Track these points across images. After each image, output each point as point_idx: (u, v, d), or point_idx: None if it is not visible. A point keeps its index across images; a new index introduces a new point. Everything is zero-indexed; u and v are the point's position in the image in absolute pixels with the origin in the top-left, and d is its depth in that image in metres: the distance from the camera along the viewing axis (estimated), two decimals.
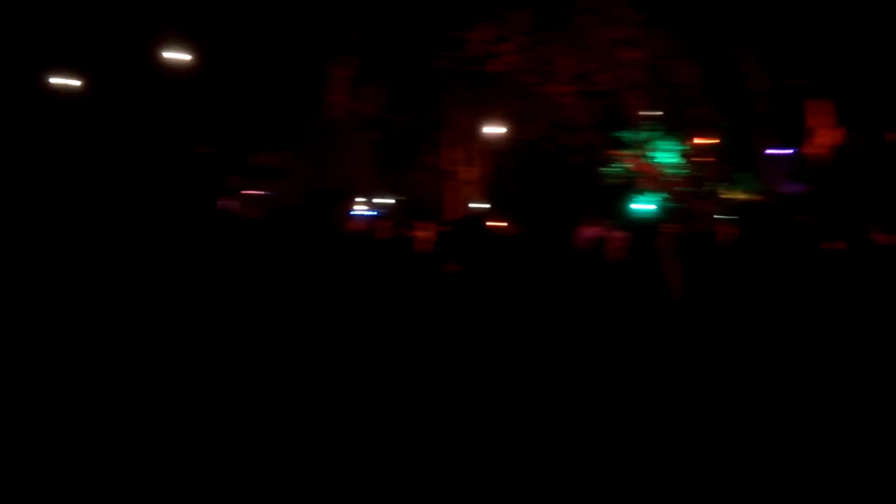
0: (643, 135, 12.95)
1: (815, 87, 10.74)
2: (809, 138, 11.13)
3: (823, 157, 11.10)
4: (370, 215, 18.14)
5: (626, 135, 13.40)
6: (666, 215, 13.00)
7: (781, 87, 11.72)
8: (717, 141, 12.41)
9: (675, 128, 12.99)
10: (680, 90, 12.08)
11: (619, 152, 13.56)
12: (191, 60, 10.45)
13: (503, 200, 14.24)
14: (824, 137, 10.92)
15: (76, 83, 10.94)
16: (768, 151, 12.12)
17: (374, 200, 24.05)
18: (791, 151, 12.41)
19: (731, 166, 13.44)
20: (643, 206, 15.30)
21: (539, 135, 13.43)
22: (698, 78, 11.82)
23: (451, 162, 17.18)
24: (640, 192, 15.59)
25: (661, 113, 13.22)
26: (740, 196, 14.49)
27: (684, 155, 12.96)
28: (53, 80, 10.83)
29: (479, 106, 15.69)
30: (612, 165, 14.75)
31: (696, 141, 12.45)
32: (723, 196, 13.91)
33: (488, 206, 14.64)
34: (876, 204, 10.93)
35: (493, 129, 15.88)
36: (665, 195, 13.49)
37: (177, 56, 10.39)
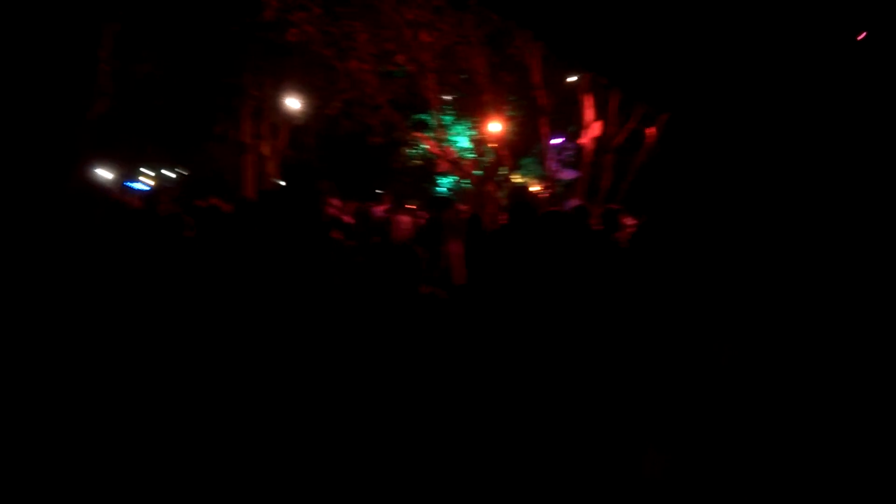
0: (441, 118, 13.35)
1: (593, 82, 11.83)
2: (584, 129, 12.32)
3: (595, 148, 12.36)
4: (144, 189, 16.54)
5: (425, 117, 13.74)
6: (460, 198, 13.69)
7: (560, 81, 12.76)
8: (506, 128, 13.20)
9: (469, 113, 13.58)
10: (472, 77, 12.62)
11: (418, 134, 13.86)
12: None
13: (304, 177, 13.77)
14: (596, 129, 12.16)
15: None
16: (549, 140, 13.18)
17: (160, 173, 21.87)
18: (567, 141, 13.69)
19: (517, 153, 14.47)
20: (440, 187, 15.91)
21: (337, 111, 13.20)
22: (489, 66, 12.43)
23: (250, 135, 16.27)
24: (438, 174, 16.20)
25: (456, 98, 13.73)
26: (524, 181, 15.72)
27: (477, 140, 13.62)
28: None
29: (279, 77, 15.01)
30: (412, 147, 15.10)
31: (488, 127, 13.13)
32: (511, 180, 14.94)
33: (288, 181, 14.07)
34: (632, 191, 12.51)
35: (293, 103, 15.32)
36: (460, 178, 14.14)
37: None
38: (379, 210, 9.89)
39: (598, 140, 12.29)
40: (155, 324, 4.30)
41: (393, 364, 3.92)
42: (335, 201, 9.23)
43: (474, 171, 13.53)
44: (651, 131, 12.52)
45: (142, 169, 20.54)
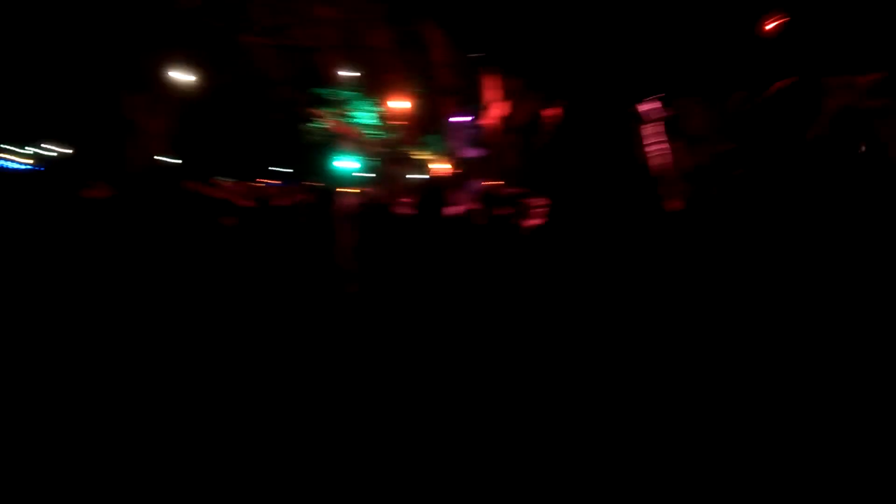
0: (342, 94, 12.95)
1: (494, 61, 11.81)
2: (486, 109, 12.34)
3: (497, 127, 12.41)
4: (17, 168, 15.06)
5: (326, 93, 13.28)
6: (363, 178, 13.43)
7: (464, 60, 12.68)
8: (410, 106, 12.99)
9: (372, 90, 13.26)
10: (375, 54, 12.29)
11: (319, 111, 13.40)
12: None
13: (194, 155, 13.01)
14: (498, 108, 12.20)
15: None
16: (452, 119, 13.12)
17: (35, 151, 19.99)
18: (470, 119, 13.66)
19: (421, 130, 14.30)
20: (343, 165, 15.48)
21: (232, 87, 12.50)
22: (392, 43, 12.15)
23: (134, 109, 15.10)
24: (340, 151, 15.74)
25: (359, 74, 13.35)
26: (428, 158, 15.61)
27: (380, 117, 13.35)
28: None
29: (168, 48, 13.97)
30: (312, 123, 14.57)
31: (391, 104, 12.87)
32: (414, 157, 14.80)
33: (178, 160, 13.26)
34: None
35: (183, 76, 14.34)
36: (363, 156, 13.84)
37: None
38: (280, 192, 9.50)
39: (502, 119, 12.36)
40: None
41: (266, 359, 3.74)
42: (227, 184, 8.74)
43: (376, 150, 13.28)
44: (552, 111, 12.69)
45: (11, 146, 18.67)
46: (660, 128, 8.61)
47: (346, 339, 4.35)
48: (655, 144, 8.62)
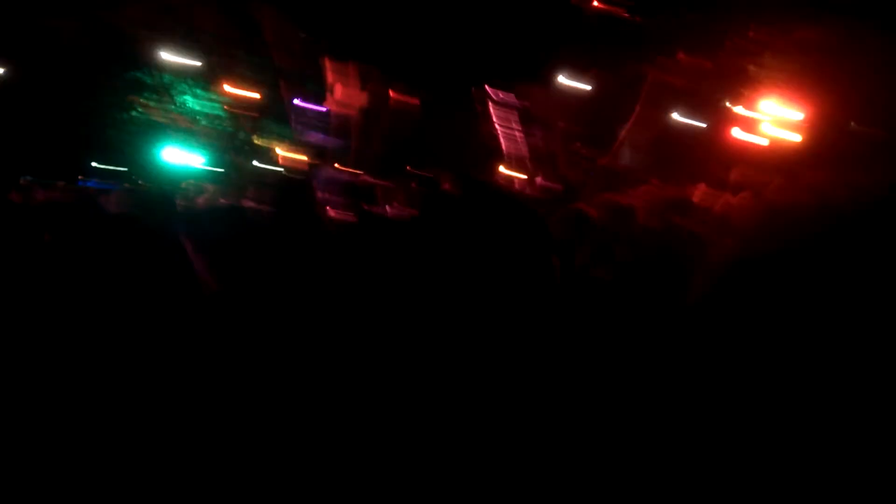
0: (168, 79, 11.83)
1: (341, 47, 11.33)
2: (330, 92, 11.91)
3: (348, 113, 12.01)
4: None
5: (149, 78, 12.05)
6: (201, 171, 12.42)
7: (308, 44, 12.05)
8: (251, 91, 12.22)
9: (207, 75, 12.26)
10: (207, 38, 11.32)
11: (145, 99, 12.16)
12: None
13: None
14: (342, 94, 11.82)
15: None
16: (298, 104, 12.55)
17: None
18: (319, 105, 13.13)
19: (264, 117, 13.51)
20: (176, 159, 14.20)
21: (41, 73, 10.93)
22: (226, 27, 11.24)
23: None
24: (172, 143, 14.44)
25: (190, 59, 12.25)
26: (276, 145, 14.84)
27: (216, 104, 12.41)
28: None
29: None
30: (138, 113, 13.16)
31: (230, 90, 12.00)
32: (259, 145, 13.99)
33: None
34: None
35: None
36: (200, 147, 12.79)
37: None
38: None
39: (346, 103, 11.99)
40: None
41: None
42: (41, 187, 7.55)
43: (214, 140, 12.35)
44: (399, 95, 12.56)
45: None
46: (510, 112, 8.90)
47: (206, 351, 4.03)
48: (506, 128, 8.87)
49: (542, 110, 7.03)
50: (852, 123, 19.59)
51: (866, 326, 2.16)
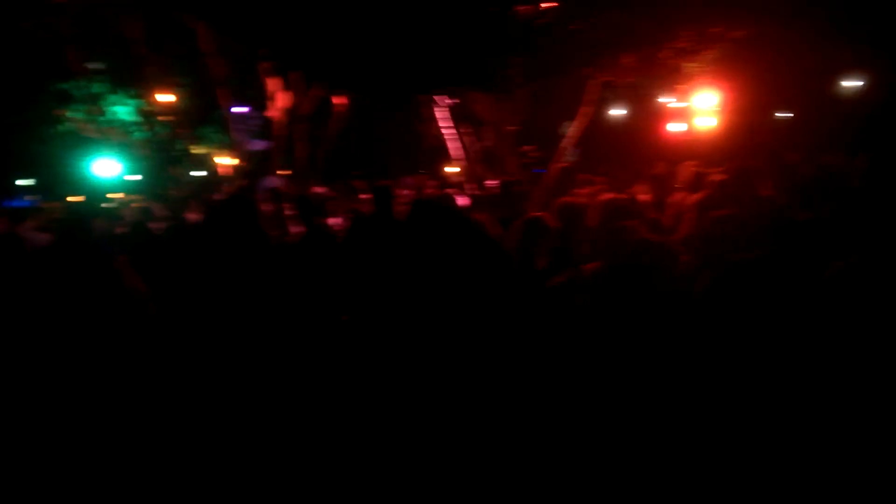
0: (93, 89, 11.25)
1: (274, 52, 10.97)
2: (270, 99, 11.60)
3: (283, 119, 11.76)
4: None
5: (72, 88, 11.42)
6: (132, 182, 11.90)
7: (246, 51, 11.66)
8: (179, 98, 11.76)
9: (130, 83, 11.71)
10: (130, 45, 10.81)
11: (67, 110, 11.51)
12: None
13: None
14: (282, 100, 11.54)
15: None
16: (233, 110, 12.17)
17: None
18: (254, 111, 12.79)
19: (195, 123, 13.01)
20: (105, 171, 13.53)
21: None
22: (149, 34, 10.75)
23: None
24: (99, 154, 13.79)
25: (111, 67, 11.68)
26: (209, 152, 14.35)
27: (143, 112, 11.88)
28: None
29: None
30: (60, 125, 12.46)
31: (157, 98, 11.51)
32: (192, 153, 13.50)
33: None
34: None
35: None
36: (129, 158, 12.22)
37: None
38: None
39: (287, 110, 11.72)
40: None
41: None
42: None
43: (146, 148, 11.85)
44: (341, 100, 12.37)
45: None
46: (449, 114, 8.90)
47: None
48: (447, 129, 8.87)
49: (487, 114, 7.07)
50: (775, 113, 20.51)
51: (822, 325, 2.23)
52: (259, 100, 12.04)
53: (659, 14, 5.49)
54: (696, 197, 4.17)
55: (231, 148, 12.65)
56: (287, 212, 5.80)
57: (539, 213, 3.74)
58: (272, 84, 11.38)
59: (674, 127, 12.64)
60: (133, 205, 7.87)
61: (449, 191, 7.07)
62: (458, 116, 7.41)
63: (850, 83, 15.01)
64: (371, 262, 3.96)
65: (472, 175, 8.01)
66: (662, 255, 3.83)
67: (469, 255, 3.77)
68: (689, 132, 10.75)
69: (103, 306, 3.97)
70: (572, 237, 3.79)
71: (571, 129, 8.51)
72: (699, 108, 9.62)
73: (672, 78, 8.52)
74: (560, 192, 5.55)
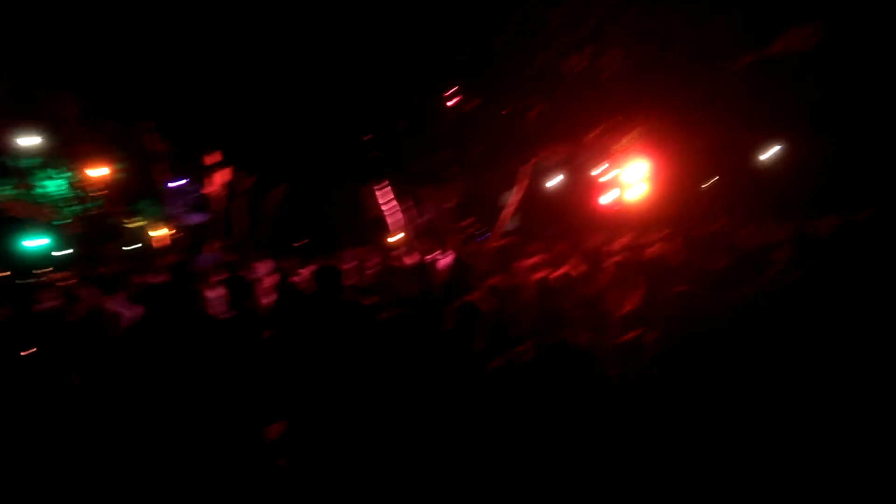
0: (24, 163, 10.89)
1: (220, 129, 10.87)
2: (208, 174, 11.48)
3: (221, 193, 11.59)
4: None
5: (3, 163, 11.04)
6: (61, 257, 11.43)
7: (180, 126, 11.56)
8: (112, 172, 11.50)
9: (62, 158, 11.41)
10: (62, 124, 10.60)
11: None
12: None
13: None
14: (222, 174, 11.43)
15: None
16: (170, 184, 11.98)
17: None
18: (191, 184, 12.61)
19: (129, 198, 12.70)
20: (34, 245, 12.95)
21: None
22: (81, 111, 10.58)
23: None
24: (29, 230, 13.26)
25: (42, 142, 11.38)
26: (144, 225, 13.99)
27: (75, 187, 11.54)
28: None
29: None
30: None
31: (88, 173, 11.22)
32: (127, 226, 13.13)
33: None
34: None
35: None
36: (59, 233, 11.79)
37: None
38: None
39: (226, 184, 11.60)
40: None
41: None
42: None
43: (77, 224, 11.44)
44: (277, 177, 12.32)
45: None
46: (390, 189, 9.04)
47: None
48: (388, 203, 8.97)
49: (425, 190, 7.20)
50: (714, 178, 21.71)
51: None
52: (197, 173, 11.90)
53: (584, 100, 5.83)
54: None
55: (167, 221, 12.38)
56: (221, 284, 5.64)
57: (475, 296, 3.76)
58: (211, 158, 11.30)
59: (607, 197, 13.19)
60: (58, 283, 7.50)
61: (392, 263, 7.08)
62: (398, 191, 7.53)
63: (767, 151, 16.13)
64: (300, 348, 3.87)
65: (413, 248, 8.05)
66: (595, 331, 3.91)
67: (403, 343, 3.73)
68: (620, 202, 11.21)
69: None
70: (508, 317, 3.81)
71: (509, 202, 8.74)
72: (629, 180, 10.06)
73: (601, 153, 8.94)
74: (498, 267, 5.62)
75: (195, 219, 12.68)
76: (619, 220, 11.94)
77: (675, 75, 5.72)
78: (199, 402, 3.77)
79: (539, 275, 4.75)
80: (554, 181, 17.59)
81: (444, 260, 7.68)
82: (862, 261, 3.95)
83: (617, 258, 5.29)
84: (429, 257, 7.70)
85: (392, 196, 7.81)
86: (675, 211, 14.18)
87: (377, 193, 7.97)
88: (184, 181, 12.49)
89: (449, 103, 5.60)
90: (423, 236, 8.15)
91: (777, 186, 15.59)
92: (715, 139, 12.31)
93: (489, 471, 2.70)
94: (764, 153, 16.19)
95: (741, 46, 5.76)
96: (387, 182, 7.36)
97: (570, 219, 17.69)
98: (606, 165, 10.83)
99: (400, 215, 7.91)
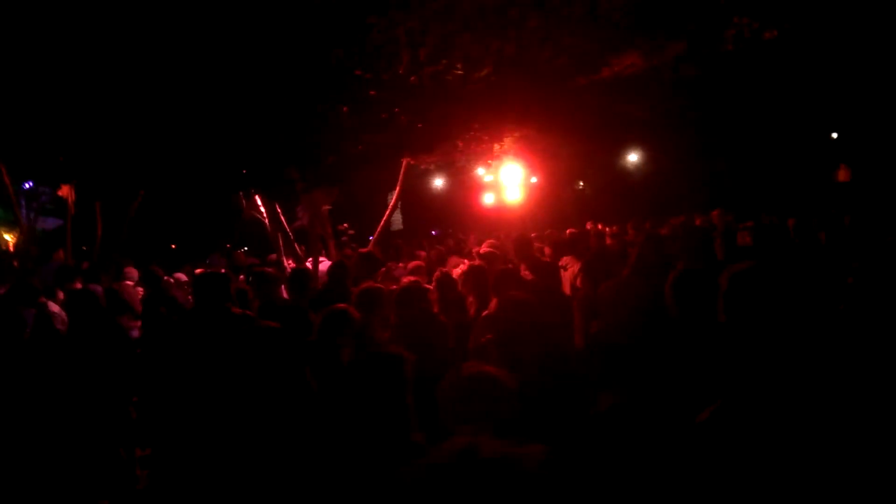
0: None
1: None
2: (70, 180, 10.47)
3: (73, 197, 10.61)
4: None
5: None
6: None
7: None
8: None
9: None
10: None
11: None
12: None
13: None
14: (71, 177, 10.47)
15: None
16: (25, 185, 10.88)
17: None
18: (45, 187, 11.49)
19: None
20: None
21: None
22: None
23: None
24: None
25: None
26: None
27: None
28: None
29: None
30: None
31: None
32: None
33: None
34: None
35: None
36: None
37: None
38: None
39: (76, 186, 10.64)
40: None
41: None
42: None
43: None
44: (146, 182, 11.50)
45: None
46: (260, 197, 8.73)
47: None
48: (261, 209, 8.66)
49: (303, 195, 7.04)
50: (580, 183, 22.87)
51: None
52: (51, 173, 10.88)
53: (453, 108, 5.98)
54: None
55: (15, 226, 11.23)
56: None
57: (341, 305, 3.71)
58: (63, 158, 10.35)
59: (486, 199, 13.58)
60: None
61: (266, 269, 6.85)
62: (273, 195, 7.30)
63: (631, 158, 17.45)
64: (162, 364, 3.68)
65: (289, 252, 7.84)
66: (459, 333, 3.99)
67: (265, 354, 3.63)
68: (500, 204, 11.58)
69: None
70: (373, 324, 3.80)
71: (390, 204, 8.73)
72: (507, 183, 10.42)
73: (479, 157, 9.19)
74: (375, 271, 5.59)
75: (48, 224, 11.61)
76: (498, 220, 12.37)
77: (534, 89, 6.02)
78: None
79: (412, 278, 4.81)
80: (436, 183, 17.89)
81: (322, 265, 7.58)
82: (704, 257, 4.35)
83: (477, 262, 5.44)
84: (307, 263, 7.55)
85: (265, 201, 7.56)
86: (549, 213, 14.95)
87: (252, 199, 7.69)
88: (42, 184, 11.35)
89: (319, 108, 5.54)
90: (299, 241, 7.96)
91: (634, 191, 16.97)
92: (579, 149, 13.08)
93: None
94: (623, 162, 17.60)
95: (586, 65, 6.23)
96: (259, 187, 7.12)
97: (452, 219, 18.07)
98: (485, 169, 11.13)
99: (275, 220, 7.68)
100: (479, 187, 13.73)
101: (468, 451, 0.96)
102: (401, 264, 7.45)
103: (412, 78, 5.23)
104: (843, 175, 12.85)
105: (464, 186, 16.14)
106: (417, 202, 18.79)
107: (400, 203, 13.33)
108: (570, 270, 5.12)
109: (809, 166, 13.66)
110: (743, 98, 10.08)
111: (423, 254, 8.78)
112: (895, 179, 11.01)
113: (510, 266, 4.80)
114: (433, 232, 17.68)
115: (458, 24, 4.89)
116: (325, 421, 2.91)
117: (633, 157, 17.53)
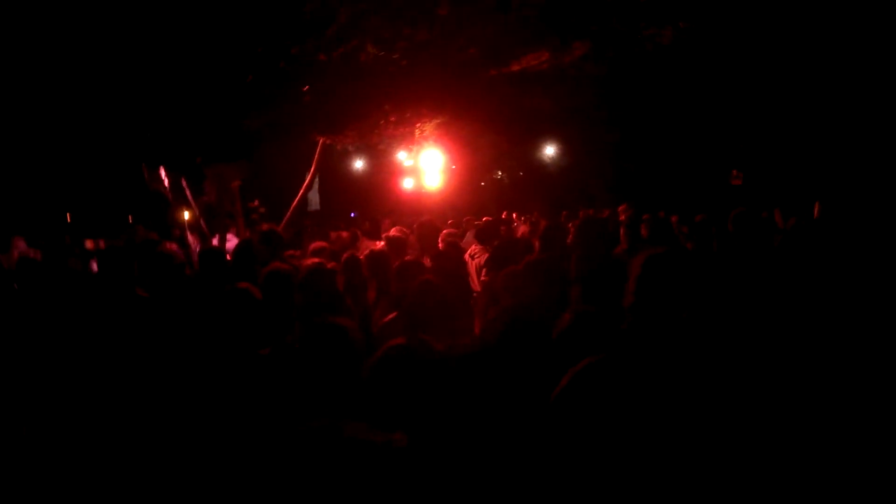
0: None
1: None
2: None
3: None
4: None
5: None
6: None
7: None
8: None
9: None
10: None
11: None
12: None
13: None
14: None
15: None
16: None
17: None
18: None
19: None
20: None
21: None
22: None
23: None
24: None
25: None
26: None
27: None
28: None
29: None
30: None
31: None
32: None
33: None
34: None
35: None
36: None
37: None
38: None
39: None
40: None
41: None
42: None
43: None
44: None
45: None
46: (164, 171, 8.33)
47: None
48: (165, 184, 8.25)
49: (210, 170, 6.77)
50: (499, 173, 23.16)
51: None
52: None
53: (367, 90, 5.93)
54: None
55: None
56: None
57: (244, 285, 3.63)
58: None
59: (406, 184, 13.57)
60: None
61: (169, 245, 6.57)
62: (178, 170, 6.98)
63: (547, 152, 17.96)
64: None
65: (195, 230, 7.52)
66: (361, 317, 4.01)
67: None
68: (419, 189, 11.60)
69: None
70: (280, 306, 3.75)
71: (304, 184, 8.54)
72: (426, 168, 10.44)
73: (398, 141, 9.14)
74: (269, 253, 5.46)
75: None
76: (418, 205, 12.36)
77: (447, 77, 6.08)
78: None
79: (315, 259, 4.74)
80: (357, 165, 17.67)
81: (230, 243, 7.31)
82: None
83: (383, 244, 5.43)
84: (213, 240, 7.26)
85: (169, 176, 7.24)
86: (468, 200, 15.12)
87: (155, 173, 7.34)
88: None
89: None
90: (205, 218, 7.67)
91: (550, 184, 17.51)
92: (496, 140, 13.34)
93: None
94: (540, 155, 18.09)
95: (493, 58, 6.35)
96: (164, 161, 6.80)
97: (372, 202, 17.94)
98: (406, 154, 11.10)
99: (180, 195, 7.38)
100: (400, 171, 13.68)
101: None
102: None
103: (321, 56, 5.16)
104: (736, 179, 13.88)
105: (385, 170, 16.02)
106: (338, 183, 18.49)
107: (317, 183, 13.18)
108: (476, 260, 5.21)
109: (708, 169, 14.60)
110: (648, 101, 10.58)
111: (333, 235, 8.65)
112: (785, 183, 11.93)
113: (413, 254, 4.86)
114: (352, 214, 17.47)
115: (369, 4, 4.86)
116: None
117: (549, 151, 18.03)
